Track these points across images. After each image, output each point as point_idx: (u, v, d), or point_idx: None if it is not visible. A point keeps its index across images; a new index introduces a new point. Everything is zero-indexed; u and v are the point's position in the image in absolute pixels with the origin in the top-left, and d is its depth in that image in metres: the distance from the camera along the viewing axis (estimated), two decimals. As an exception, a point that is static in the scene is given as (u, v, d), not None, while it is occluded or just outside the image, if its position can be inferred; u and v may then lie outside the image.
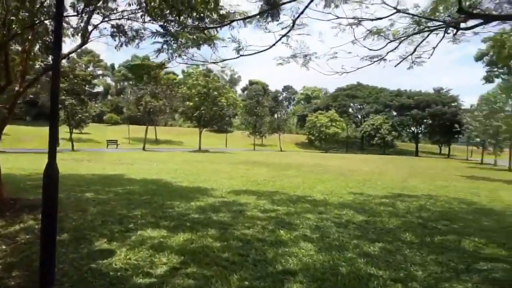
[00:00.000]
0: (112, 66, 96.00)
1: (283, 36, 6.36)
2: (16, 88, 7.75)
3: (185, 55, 7.36)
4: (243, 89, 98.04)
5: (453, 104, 65.14)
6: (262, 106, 54.74)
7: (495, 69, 19.66)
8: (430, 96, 66.25)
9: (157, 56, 7.43)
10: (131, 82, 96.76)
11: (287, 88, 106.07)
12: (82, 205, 7.91)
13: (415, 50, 8.14)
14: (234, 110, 48.01)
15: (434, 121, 63.07)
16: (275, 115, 62.06)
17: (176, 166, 18.08)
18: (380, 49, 8.09)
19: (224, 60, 7.02)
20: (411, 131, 70.69)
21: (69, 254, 4.85)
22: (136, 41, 8.19)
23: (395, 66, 8.88)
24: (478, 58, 18.67)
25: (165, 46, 7.37)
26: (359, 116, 79.17)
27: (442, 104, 63.66)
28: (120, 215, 7.16)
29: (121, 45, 8.20)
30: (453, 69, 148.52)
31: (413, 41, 8.19)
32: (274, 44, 6.57)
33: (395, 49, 8.01)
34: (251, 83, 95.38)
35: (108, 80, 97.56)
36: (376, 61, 8.52)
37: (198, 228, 6.36)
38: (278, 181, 13.77)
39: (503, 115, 32.95)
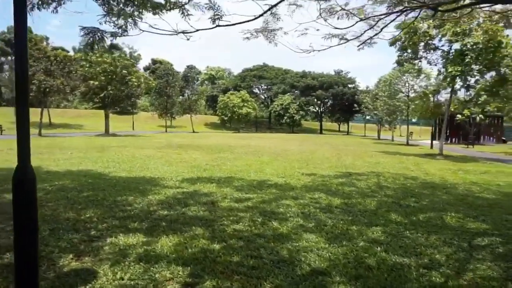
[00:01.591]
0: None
1: (273, 6, 5.61)
2: None
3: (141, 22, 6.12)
4: (146, 68, 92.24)
5: (351, 86, 71.07)
6: (171, 86, 52.11)
7: (405, 54, 21.52)
8: (332, 77, 71.05)
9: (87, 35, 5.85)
10: (10, 58, 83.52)
11: (190, 68, 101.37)
12: (6, 211, 6.22)
13: (381, 30, 8.09)
14: (143, 91, 44.60)
15: (335, 100, 68.00)
16: (185, 96, 59.79)
17: (97, 154, 15.92)
18: (346, 28, 7.84)
19: (198, 31, 5.99)
20: (315, 110, 75.25)
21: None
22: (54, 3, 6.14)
23: (358, 47, 8.80)
24: (392, 43, 20.14)
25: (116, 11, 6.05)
26: (267, 96, 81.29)
27: (342, 85, 68.88)
28: (69, 219, 5.82)
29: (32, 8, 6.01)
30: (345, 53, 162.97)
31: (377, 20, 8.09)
32: (261, 15, 5.79)
33: (352, 26, 7.78)
34: (154, 61, 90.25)
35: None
36: (342, 41, 8.30)
37: (180, 228, 5.46)
38: (222, 165, 13.05)
39: (402, 96, 37.13)
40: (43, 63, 36.37)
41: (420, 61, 22.74)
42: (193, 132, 56.54)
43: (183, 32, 6.08)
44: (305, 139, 40.44)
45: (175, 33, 6.11)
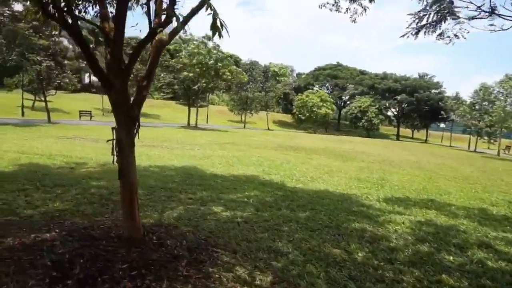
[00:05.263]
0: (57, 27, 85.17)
1: None
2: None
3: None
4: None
5: (435, 91, 65.60)
6: (254, 82, 51.24)
7: None
8: (416, 81, 66.06)
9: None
10: (92, 46, 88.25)
11: (253, 64, 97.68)
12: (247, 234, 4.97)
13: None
14: (233, 85, 43.84)
15: (419, 105, 63.11)
16: (262, 92, 58.65)
17: (228, 152, 14.91)
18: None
19: None
20: (393, 114, 70.63)
21: None
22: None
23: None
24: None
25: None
26: (342, 97, 77.97)
27: (427, 90, 63.85)
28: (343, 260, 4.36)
29: None
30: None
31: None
32: None
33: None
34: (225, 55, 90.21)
35: (65, 41, 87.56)
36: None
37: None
38: (381, 179, 11.29)
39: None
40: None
41: None
42: (268, 129, 55.36)
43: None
44: (398, 145, 37.39)
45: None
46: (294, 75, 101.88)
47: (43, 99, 43.00)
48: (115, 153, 4.01)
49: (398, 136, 69.12)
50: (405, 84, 65.11)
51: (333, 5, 6.88)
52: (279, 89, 76.20)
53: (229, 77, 35.96)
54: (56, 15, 3.76)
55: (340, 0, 6.70)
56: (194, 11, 3.89)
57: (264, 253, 4.43)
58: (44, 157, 10.11)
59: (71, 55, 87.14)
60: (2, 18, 28.34)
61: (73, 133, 19.00)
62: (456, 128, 62.14)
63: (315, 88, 74.38)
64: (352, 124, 66.90)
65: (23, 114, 35.56)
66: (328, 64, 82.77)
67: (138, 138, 4.07)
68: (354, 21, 6.76)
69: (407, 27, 5.49)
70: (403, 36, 5.43)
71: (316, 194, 8.02)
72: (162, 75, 39.33)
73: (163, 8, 3.94)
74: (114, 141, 4.00)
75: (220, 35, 2.95)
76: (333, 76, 77.71)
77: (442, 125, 70.95)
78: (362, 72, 79.15)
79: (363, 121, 62.42)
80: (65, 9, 3.77)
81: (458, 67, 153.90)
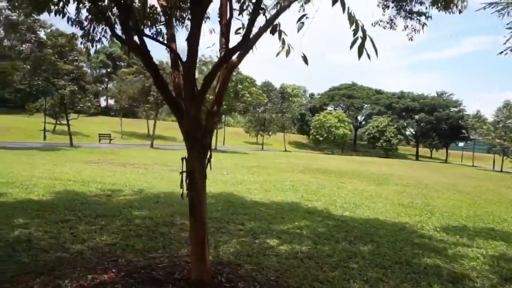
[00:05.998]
0: (88, 51, 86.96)
1: None
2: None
3: None
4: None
5: (454, 109, 64.47)
6: (273, 103, 51.25)
7: None
8: (435, 99, 65.11)
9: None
10: (109, 70, 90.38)
11: (266, 85, 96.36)
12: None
13: None
14: (252, 106, 43.80)
15: (438, 124, 61.93)
16: (280, 113, 58.44)
17: (249, 176, 14.52)
18: None
19: None
20: (412, 134, 69.43)
21: None
22: None
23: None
24: None
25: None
26: (359, 117, 77.36)
27: (446, 108, 62.83)
28: None
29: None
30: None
31: None
32: None
33: None
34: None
35: (84, 66, 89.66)
36: None
37: None
38: (426, 204, 10.66)
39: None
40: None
41: None
42: (285, 150, 54.89)
43: None
44: (422, 166, 36.37)
45: None
46: (307, 95, 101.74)
47: (63, 122, 43.88)
48: (184, 186, 3.64)
49: (417, 156, 67.73)
50: (424, 102, 64.22)
51: (387, 23, 6.56)
52: (295, 109, 76.15)
53: (249, 98, 35.93)
54: (124, 36, 3.50)
55: (396, 17, 6.37)
56: (261, 31, 3.60)
57: (344, 297, 3.94)
58: (78, 184, 9.86)
59: (89, 79, 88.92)
60: (29, 44, 29.15)
61: (98, 157, 18.91)
62: (477, 147, 60.57)
63: (328, 108, 74.10)
64: (370, 144, 65.89)
65: (45, 137, 36.06)
66: (343, 84, 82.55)
67: (211, 169, 3.69)
68: (411, 39, 6.40)
69: (504, 43, 4.97)
70: (500, 53, 4.91)
71: (368, 224, 7.47)
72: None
73: (235, 29, 3.66)
74: (184, 173, 3.64)
75: (368, 57, 2.65)
76: (349, 96, 77.27)
77: (461, 144, 69.32)
78: (378, 92, 78.62)
79: (381, 141, 61.43)
80: (134, 29, 3.51)
81: (468, 84, 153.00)
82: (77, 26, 4.76)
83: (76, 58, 32.10)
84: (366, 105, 75.66)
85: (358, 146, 75.29)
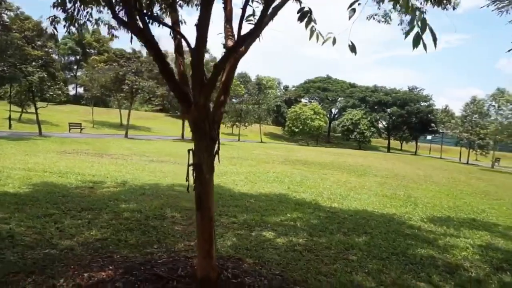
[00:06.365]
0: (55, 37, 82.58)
1: None
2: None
3: None
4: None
5: (424, 103, 66.53)
6: (249, 94, 50.98)
7: None
8: (407, 94, 66.88)
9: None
10: (78, 57, 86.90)
11: (243, 76, 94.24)
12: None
13: None
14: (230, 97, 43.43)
15: (409, 118, 63.80)
16: (256, 105, 58.19)
17: (232, 167, 14.35)
18: None
19: None
20: (384, 127, 71.13)
21: None
22: None
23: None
24: None
25: None
26: (333, 110, 78.48)
27: (417, 102, 64.75)
28: None
29: None
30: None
31: None
32: None
33: None
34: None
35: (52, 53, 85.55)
36: None
37: None
38: (408, 195, 10.90)
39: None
40: (134, 64, 36.40)
41: None
42: (261, 142, 54.94)
43: None
44: (395, 158, 37.35)
45: None
46: (281, 87, 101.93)
47: (29, 110, 41.77)
48: (191, 179, 3.45)
49: (389, 148, 69.60)
50: (396, 97, 65.86)
51: (382, 17, 6.52)
52: (271, 101, 76.18)
53: (227, 89, 35.43)
54: (127, 20, 3.25)
55: (392, 11, 6.33)
56: (267, 19, 3.45)
57: (350, 290, 3.91)
58: (55, 175, 9.36)
59: (57, 66, 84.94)
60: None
61: (71, 147, 18.13)
62: (444, 140, 62.96)
63: (303, 100, 74.60)
64: (344, 136, 67.04)
65: (10, 126, 34.30)
66: (318, 77, 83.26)
67: (219, 162, 3.52)
68: (407, 34, 6.38)
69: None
70: (509, 51, 4.93)
71: (358, 215, 7.53)
72: (156, 88, 38.49)
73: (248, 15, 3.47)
74: (190, 166, 3.45)
75: (425, 48, 2.55)
76: (323, 88, 78.06)
77: (429, 137, 71.76)
78: (352, 85, 79.77)
79: (355, 133, 62.64)
80: (138, 13, 3.26)
81: (432, 80, 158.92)
82: (59, 8, 4.45)
83: (45, 43, 30.52)
84: (340, 98, 76.78)
85: (332, 138, 76.50)
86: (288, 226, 6.17)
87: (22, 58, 25.37)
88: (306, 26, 3.01)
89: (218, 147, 3.49)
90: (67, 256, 4.22)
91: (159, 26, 3.89)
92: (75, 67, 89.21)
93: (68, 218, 5.67)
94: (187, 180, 3.51)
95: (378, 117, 66.21)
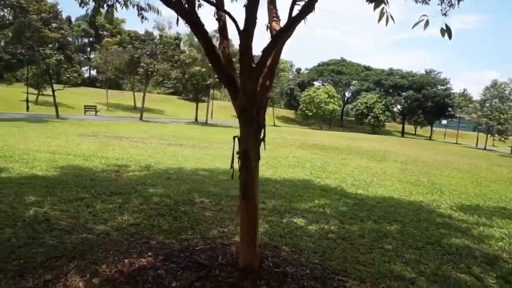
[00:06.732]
0: (69, 19, 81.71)
1: None
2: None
3: None
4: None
5: (441, 87, 65.03)
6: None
7: None
8: (424, 77, 65.38)
9: None
10: (92, 39, 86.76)
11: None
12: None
13: None
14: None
15: (425, 102, 62.53)
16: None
17: (276, 152, 14.23)
18: None
19: None
20: (399, 111, 69.94)
21: None
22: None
23: None
24: None
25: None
26: (346, 93, 77.39)
27: (434, 86, 63.32)
28: None
29: None
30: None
31: None
32: None
33: None
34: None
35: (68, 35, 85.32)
36: None
37: None
38: (432, 182, 10.71)
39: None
40: (149, 46, 36.21)
41: None
42: (274, 125, 54.76)
43: None
44: (411, 143, 36.87)
45: None
46: (294, 70, 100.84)
47: (45, 93, 42.19)
48: (235, 166, 3.37)
49: (403, 133, 68.66)
50: (412, 80, 64.46)
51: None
52: (284, 84, 75.42)
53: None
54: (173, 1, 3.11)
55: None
56: None
57: (391, 280, 3.83)
58: (80, 158, 9.44)
59: (73, 49, 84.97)
60: (10, 9, 27.31)
61: (91, 130, 18.29)
62: (460, 125, 61.70)
63: (316, 84, 73.62)
64: (358, 120, 66.17)
65: (27, 108, 34.70)
66: (332, 60, 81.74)
67: (265, 149, 3.42)
68: (445, 14, 6.09)
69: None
70: None
71: (386, 202, 7.41)
72: (171, 70, 38.29)
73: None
74: (234, 153, 3.37)
75: (450, 37, 2.36)
76: (337, 71, 76.79)
77: (444, 121, 70.39)
78: (367, 68, 78.25)
79: (369, 117, 61.77)
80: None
81: (448, 62, 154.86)
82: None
83: (61, 26, 30.48)
84: (354, 81, 75.54)
85: (345, 122, 75.71)
86: (318, 213, 6.10)
87: (39, 41, 25.42)
88: (375, 8, 2.82)
89: (264, 133, 3.38)
90: (104, 241, 4.23)
91: (199, 7, 3.74)
92: (88, 49, 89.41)
93: (99, 202, 5.69)
94: (231, 167, 3.43)
95: (393, 101, 65.00)
